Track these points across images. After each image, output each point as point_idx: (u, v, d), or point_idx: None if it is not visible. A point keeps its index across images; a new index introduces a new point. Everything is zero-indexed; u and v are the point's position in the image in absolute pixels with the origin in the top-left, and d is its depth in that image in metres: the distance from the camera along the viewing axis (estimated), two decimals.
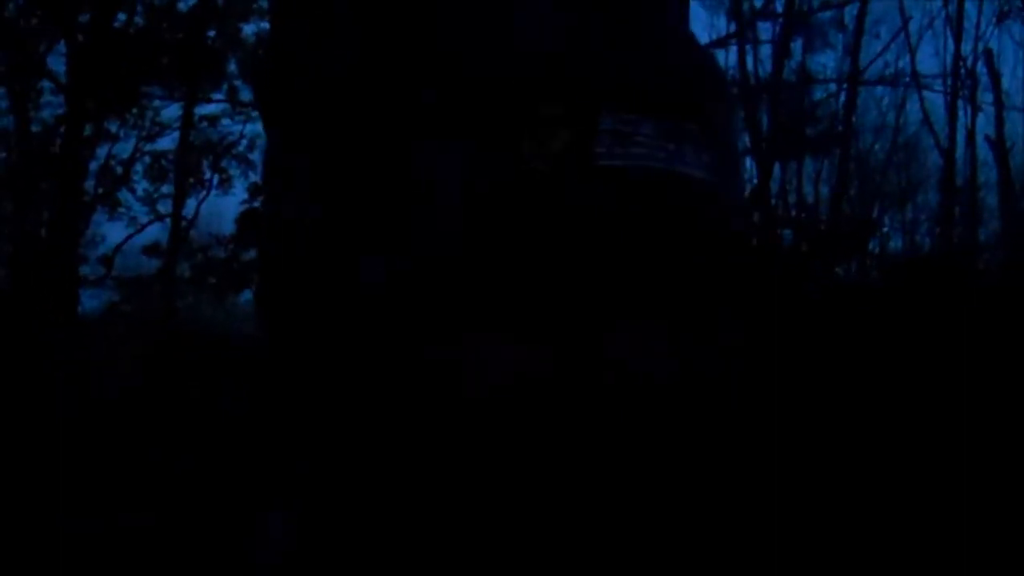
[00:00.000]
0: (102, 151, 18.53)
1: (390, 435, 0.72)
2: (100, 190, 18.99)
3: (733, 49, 19.24)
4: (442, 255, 0.77)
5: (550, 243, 0.73)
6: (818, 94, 20.73)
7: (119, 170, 19.20)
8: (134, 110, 18.68)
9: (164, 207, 19.50)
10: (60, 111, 17.22)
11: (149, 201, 19.77)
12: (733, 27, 19.27)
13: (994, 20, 20.59)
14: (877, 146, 22.87)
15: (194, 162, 19.48)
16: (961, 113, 19.65)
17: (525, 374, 0.73)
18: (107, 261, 18.77)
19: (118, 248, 19.13)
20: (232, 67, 18.48)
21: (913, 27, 21.97)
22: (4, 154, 18.05)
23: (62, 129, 16.72)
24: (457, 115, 0.77)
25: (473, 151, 0.80)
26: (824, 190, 20.83)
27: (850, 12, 19.43)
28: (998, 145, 19.12)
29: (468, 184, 0.80)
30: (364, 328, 0.81)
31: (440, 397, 0.74)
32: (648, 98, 0.74)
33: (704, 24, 20.38)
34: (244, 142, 19.59)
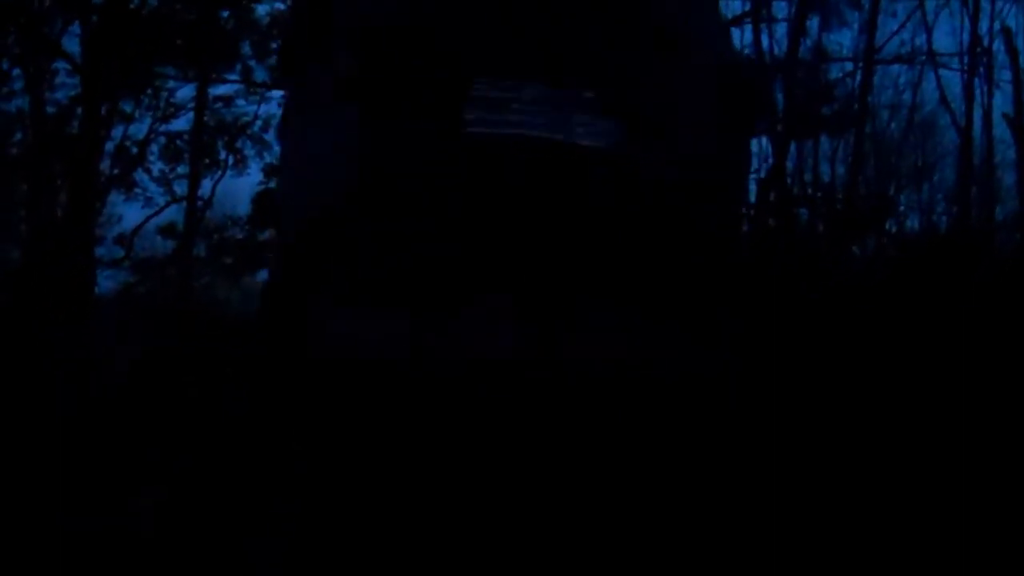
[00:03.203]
0: (117, 132, 18.57)
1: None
2: (116, 171, 19.04)
3: (748, 28, 19.14)
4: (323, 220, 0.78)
5: (420, 212, 0.74)
6: (834, 73, 20.63)
7: (134, 151, 19.24)
8: (149, 91, 18.70)
9: (179, 187, 19.55)
10: (75, 92, 17.25)
11: (164, 182, 19.82)
12: (748, 6, 19.17)
13: None
14: (893, 125, 22.74)
15: (209, 142, 19.51)
16: (978, 91, 19.52)
17: (390, 336, 0.74)
18: (125, 242, 18.83)
19: (137, 230, 19.19)
20: (246, 48, 18.48)
21: (929, 5, 21.80)
22: (19, 135, 18.08)
23: (78, 110, 16.75)
24: (347, 84, 0.78)
25: (356, 119, 0.81)
26: (840, 169, 20.75)
27: None
28: (1016, 123, 19.00)
29: (351, 149, 0.81)
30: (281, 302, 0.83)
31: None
32: (528, 65, 0.74)
33: (719, 3, 20.23)
34: (258, 123, 19.60)
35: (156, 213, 19.42)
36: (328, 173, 0.71)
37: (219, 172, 19.79)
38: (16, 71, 17.20)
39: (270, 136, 19.13)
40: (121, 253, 19.02)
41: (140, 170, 19.59)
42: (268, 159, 18.77)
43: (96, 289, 17.65)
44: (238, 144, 19.87)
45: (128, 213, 21.49)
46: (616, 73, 0.61)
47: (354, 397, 0.68)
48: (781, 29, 19.92)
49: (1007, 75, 19.49)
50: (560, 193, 0.60)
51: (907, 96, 22.52)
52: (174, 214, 19.58)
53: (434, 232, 0.62)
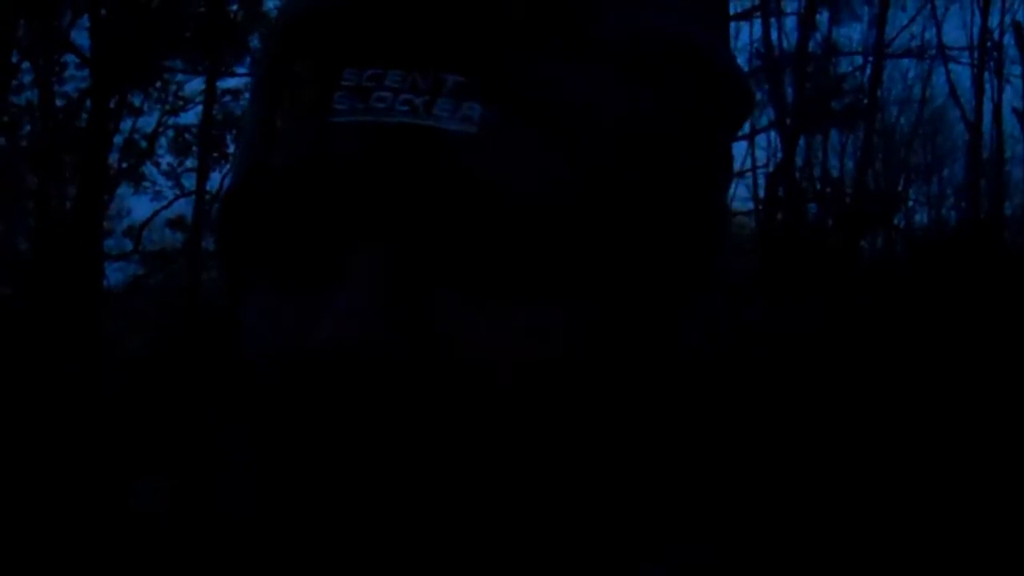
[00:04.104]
0: (126, 125, 18.61)
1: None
2: (124, 164, 19.08)
3: (758, 22, 19.12)
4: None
5: (297, 204, 0.73)
6: (844, 67, 20.61)
7: (143, 144, 19.28)
8: (158, 84, 18.73)
9: (188, 181, 19.59)
10: (84, 85, 17.28)
11: (173, 175, 19.86)
12: (757, 0, 19.13)
13: None
14: (903, 119, 22.72)
15: (218, 136, 19.53)
16: (988, 86, 19.49)
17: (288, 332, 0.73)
18: (135, 235, 18.88)
19: (146, 223, 19.24)
20: (255, 41, 18.49)
21: None
22: (29, 128, 18.11)
23: (87, 103, 16.78)
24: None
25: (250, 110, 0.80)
26: (849, 164, 20.71)
27: None
28: None
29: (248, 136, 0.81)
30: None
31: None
32: (396, 50, 0.72)
33: None
34: None
35: (165, 207, 19.47)
36: (236, 168, 0.72)
37: (228, 166, 19.80)
38: (25, 64, 17.23)
39: None
40: (130, 246, 19.07)
41: (149, 163, 19.65)
42: None
43: (105, 282, 17.71)
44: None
45: (137, 206, 21.55)
46: (493, 56, 0.60)
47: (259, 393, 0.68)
48: (791, 23, 19.90)
49: (1017, 69, 19.50)
50: (422, 178, 0.60)
51: (917, 90, 22.50)
52: (183, 207, 19.63)
53: (309, 220, 0.62)
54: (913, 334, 4.96)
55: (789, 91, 18.23)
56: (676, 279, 0.79)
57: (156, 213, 19.30)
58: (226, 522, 0.77)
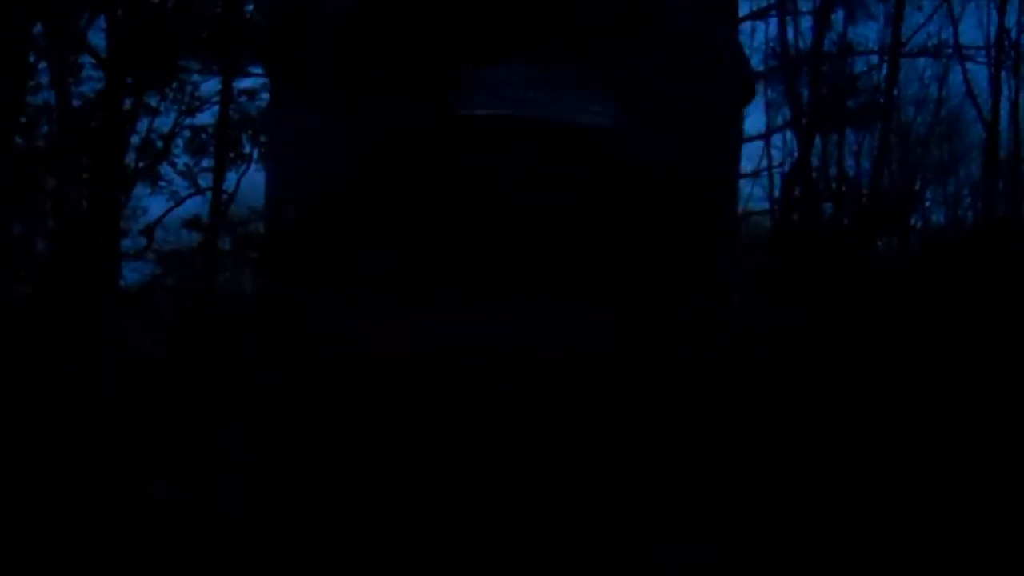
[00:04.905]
0: (143, 125, 18.65)
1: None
2: (141, 164, 19.12)
3: (773, 21, 19.07)
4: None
5: (409, 203, 0.73)
6: (859, 66, 20.54)
7: (159, 144, 19.32)
8: (174, 85, 18.77)
9: (204, 181, 19.62)
10: (100, 86, 17.32)
11: (190, 175, 19.89)
12: None
13: None
14: (919, 119, 22.63)
15: (234, 136, 19.55)
16: (1005, 85, 19.40)
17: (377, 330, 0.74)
18: (148, 232, 18.93)
19: (158, 221, 19.28)
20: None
21: None
22: (46, 128, 18.18)
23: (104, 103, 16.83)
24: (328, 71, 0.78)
25: (337, 108, 0.80)
26: (866, 163, 20.65)
27: None
28: None
29: (335, 140, 0.81)
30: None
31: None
32: (516, 44, 0.73)
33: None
34: None
35: (177, 205, 19.49)
36: (313, 166, 0.70)
37: (244, 166, 19.84)
38: (42, 64, 17.29)
39: None
40: (144, 244, 19.13)
41: (165, 163, 19.69)
42: None
43: (122, 281, 17.75)
44: (263, 138, 19.91)
45: (153, 206, 21.61)
46: (610, 51, 0.60)
47: (352, 397, 0.67)
48: (806, 22, 19.82)
49: None
50: (556, 176, 0.59)
51: (933, 90, 22.41)
52: (199, 207, 19.67)
53: (423, 222, 0.61)
54: (925, 333, 4.94)
55: (804, 91, 18.19)
56: (677, 276, 0.81)
57: (168, 211, 19.34)
58: (226, 521, 0.79)
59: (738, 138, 0.83)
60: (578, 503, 0.74)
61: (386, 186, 0.67)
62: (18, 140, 17.03)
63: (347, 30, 0.72)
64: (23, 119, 16.72)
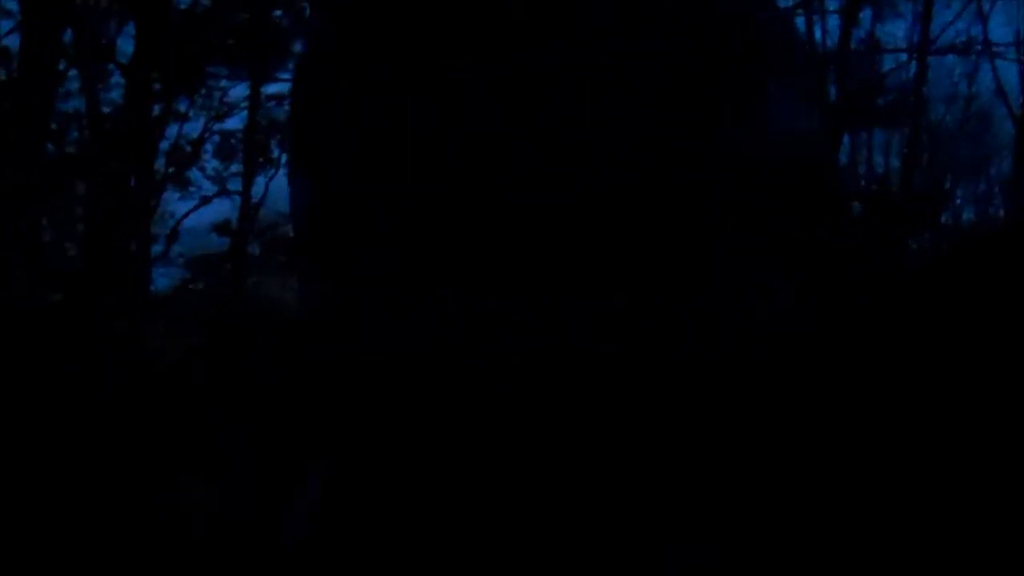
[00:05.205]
0: (172, 131, 18.81)
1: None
2: (171, 169, 19.27)
3: (800, 20, 19.00)
4: None
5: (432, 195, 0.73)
6: (888, 64, 20.46)
7: (188, 149, 19.46)
8: (202, 91, 18.91)
9: (233, 186, 19.76)
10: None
11: (219, 180, 20.03)
12: None
13: None
14: (948, 116, 22.52)
15: (262, 141, 19.67)
16: None
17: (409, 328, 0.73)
18: (172, 234, 19.04)
19: (179, 221, 19.40)
20: (298, 46, 18.61)
21: None
22: (76, 135, 18.35)
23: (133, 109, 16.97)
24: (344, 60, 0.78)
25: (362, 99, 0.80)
26: (895, 162, 20.56)
27: None
28: None
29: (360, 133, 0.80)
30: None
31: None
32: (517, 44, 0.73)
33: None
34: None
35: (199, 206, 19.61)
36: (337, 162, 0.70)
37: (273, 170, 19.96)
38: (72, 72, 17.45)
39: None
40: (177, 249, 19.25)
41: (195, 168, 19.84)
42: None
43: (152, 286, 17.89)
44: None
45: (183, 211, 21.80)
46: (611, 51, 0.60)
47: (382, 392, 0.68)
48: (833, 21, 19.76)
49: None
50: (556, 174, 0.59)
51: (963, 87, 22.28)
52: (228, 211, 19.80)
53: (424, 221, 0.61)
54: (947, 333, 4.91)
55: (832, 89, 18.12)
56: (677, 274, 0.80)
57: (189, 212, 19.47)
58: (226, 521, 0.79)
59: None
60: (590, 504, 0.74)
61: (386, 186, 0.68)
62: (49, 147, 17.17)
63: (346, 30, 0.73)
64: (54, 126, 16.86)
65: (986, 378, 0.86)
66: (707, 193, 0.79)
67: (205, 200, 19.64)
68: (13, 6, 16.07)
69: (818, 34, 18.97)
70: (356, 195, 0.72)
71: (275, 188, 19.67)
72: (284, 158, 19.86)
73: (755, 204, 0.75)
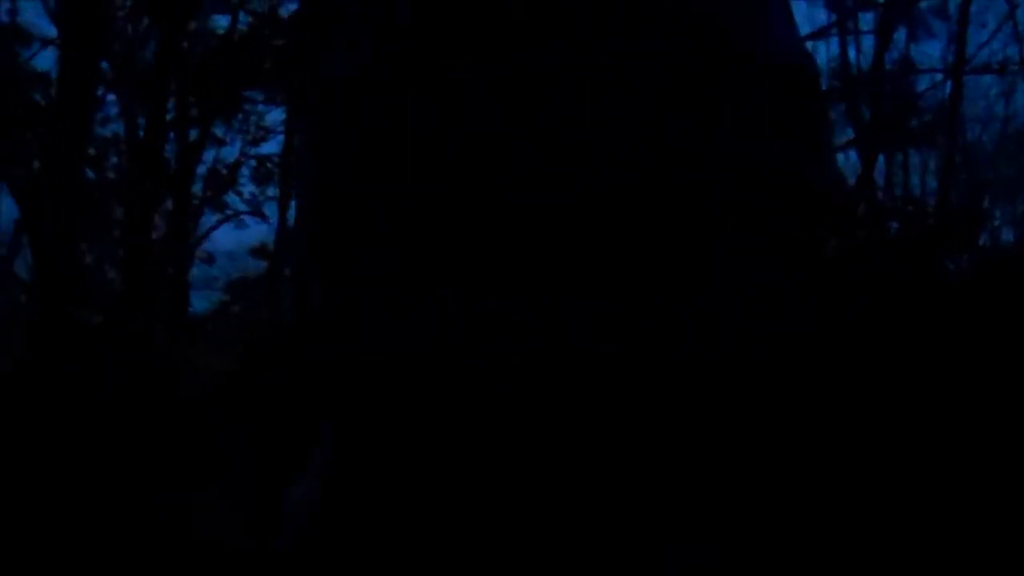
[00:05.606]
0: (209, 155, 18.91)
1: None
2: (208, 193, 19.38)
3: (834, 40, 18.94)
4: None
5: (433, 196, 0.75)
6: (923, 84, 20.32)
7: (225, 173, 19.56)
8: (239, 115, 19.01)
9: (269, 209, 19.84)
10: (169, 117, 17.58)
11: (255, 204, 20.11)
12: (833, 18, 18.97)
13: None
14: (985, 137, 22.33)
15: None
16: None
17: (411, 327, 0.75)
18: (202, 249, 19.11)
19: (205, 236, 19.46)
20: None
21: (1021, 15, 21.37)
22: (115, 159, 18.49)
23: (171, 135, 17.09)
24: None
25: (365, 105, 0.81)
26: (931, 183, 20.39)
27: (954, 0, 18.99)
28: None
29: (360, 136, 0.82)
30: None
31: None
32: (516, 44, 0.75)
33: (803, 16, 20.10)
34: None
35: (225, 220, 19.64)
36: (338, 162, 0.71)
37: None
38: (111, 97, 17.60)
39: None
40: (213, 273, 19.34)
41: (231, 192, 19.93)
42: None
43: (190, 308, 17.97)
44: None
45: (221, 236, 21.90)
46: (610, 51, 0.61)
47: (384, 393, 0.69)
48: (868, 41, 19.66)
49: None
50: (557, 174, 0.60)
51: (999, 107, 22.09)
52: (265, 234, 19.87)
53: (424, 221, 0.62)
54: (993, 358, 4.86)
55: (866, 109, 18.01)
56: (677, 276, 0.81)
57: (214, 227, 19.52)
58: (227, 521, 0.81)
59: None
60: (591, 503, 0.75)
61: (387, 186, 0.69)
62: (88, 172, 17.33)
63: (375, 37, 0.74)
64: (92, 151, 17.01)
65: (986, 378, 0.87)
66: (707, 193, 0.80)
67: (227, 217, 19.69)
68: (52, 31, 16.26)
69: (852, 55, 18.90)
70: (356, 195, 0.74)
71: None
72: None
73: (755, 204, 0.76)
